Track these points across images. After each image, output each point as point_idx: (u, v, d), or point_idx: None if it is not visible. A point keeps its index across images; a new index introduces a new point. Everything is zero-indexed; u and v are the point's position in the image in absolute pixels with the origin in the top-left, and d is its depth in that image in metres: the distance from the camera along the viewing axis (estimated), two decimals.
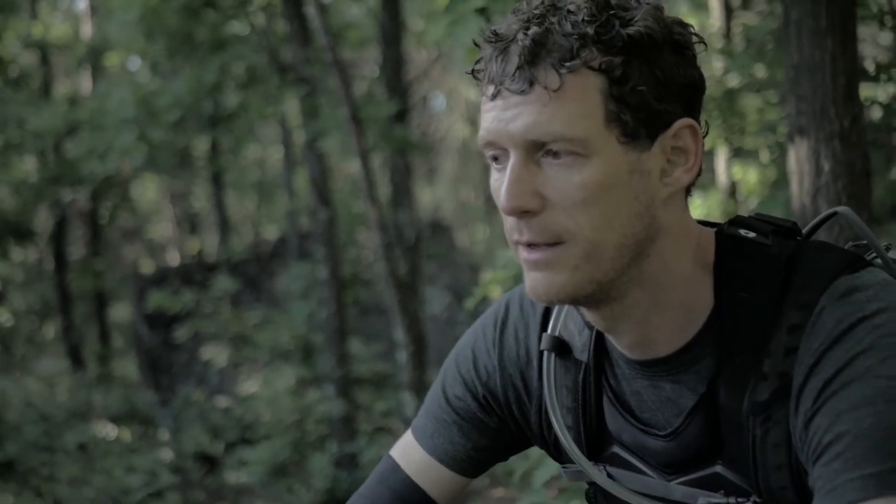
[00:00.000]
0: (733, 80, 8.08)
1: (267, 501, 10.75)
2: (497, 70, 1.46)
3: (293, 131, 14.04)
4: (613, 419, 1.65)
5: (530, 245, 1.47)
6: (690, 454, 1.57)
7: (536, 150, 1.44)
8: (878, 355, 1.40)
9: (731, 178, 8.84)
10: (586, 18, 1.43)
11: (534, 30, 1.43)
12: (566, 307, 1.68)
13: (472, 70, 1.52)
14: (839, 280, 1.49)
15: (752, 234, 1.55)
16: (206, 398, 13.89)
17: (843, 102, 3.22)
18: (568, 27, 1.43)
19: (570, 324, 1.68)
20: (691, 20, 8.13)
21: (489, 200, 22.77)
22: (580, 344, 1.67)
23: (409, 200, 10.93)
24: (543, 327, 1.72)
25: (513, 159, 1.45)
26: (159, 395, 14.64)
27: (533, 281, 1.49)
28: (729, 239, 1.56)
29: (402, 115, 10.50)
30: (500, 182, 1.49)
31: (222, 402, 13.59)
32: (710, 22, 9.16)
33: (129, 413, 14.58)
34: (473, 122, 20.23)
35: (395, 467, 1.83)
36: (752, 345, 1.50)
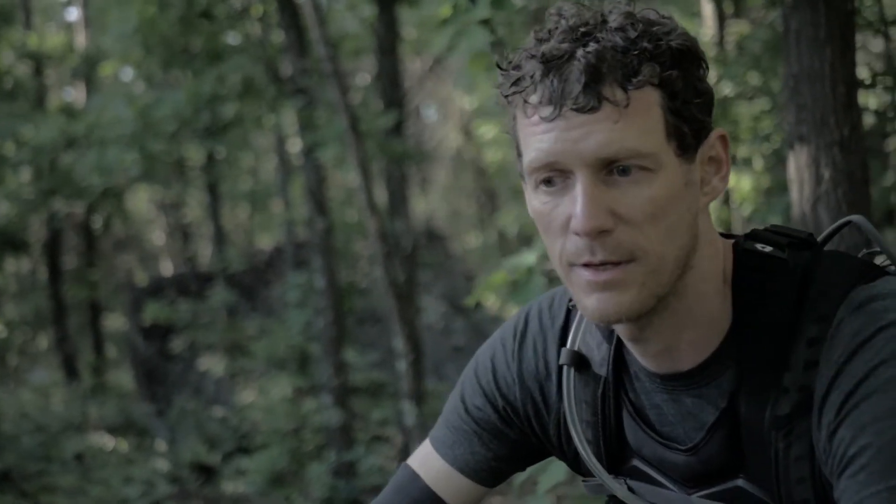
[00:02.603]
0: (727, 88, 8.13)
1: None
2: (554, 90, 1.42)
3: (288, 140, 14.06)
4: (633, 433, 1.65)
5: (600, 265, 1.45)
6: (712, 468, 1.57)
7: (604, 168, 1.43)
8: None
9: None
10: (639, 35, 1.44)
11: (592, 47, 1.42)
12: (584, 321, 1.69)
13: (509, 93, 1.48)
14: (855, 291, 1.50)
15: (768, 249, 1.56)
16: (203, 408, 13.88)
17: (842, 111, 3.25)
18: (622, 43, 1.43)
19: (588, 338, 1.69)
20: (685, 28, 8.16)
21: (483, 209, 22.80)
22: (599, 358, 1.67)
23: (405, 210, 10.95)
24: (562, 342, 1.72)
25: (583, 179, 1.43)
26: (155, 405, 14.63)
27: (599, 302, 1.47)
28: (746, 254, 1.57)
29: (398, 126, 10.52)
30: (554, 205, 1.47)
31: (219, 411, 13.59)
32: (703, 30, 9.20)
33: (126, 424, 14.56)
34: (467, 131, 20.26)
35: (414, 477, 1.83)
36: (772, 359, 1.50)
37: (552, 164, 1.45)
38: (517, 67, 1.48)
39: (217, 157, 15.68)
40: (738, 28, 9.05)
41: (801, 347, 1.49)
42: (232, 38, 11.29)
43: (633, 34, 1.43)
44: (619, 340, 1.63)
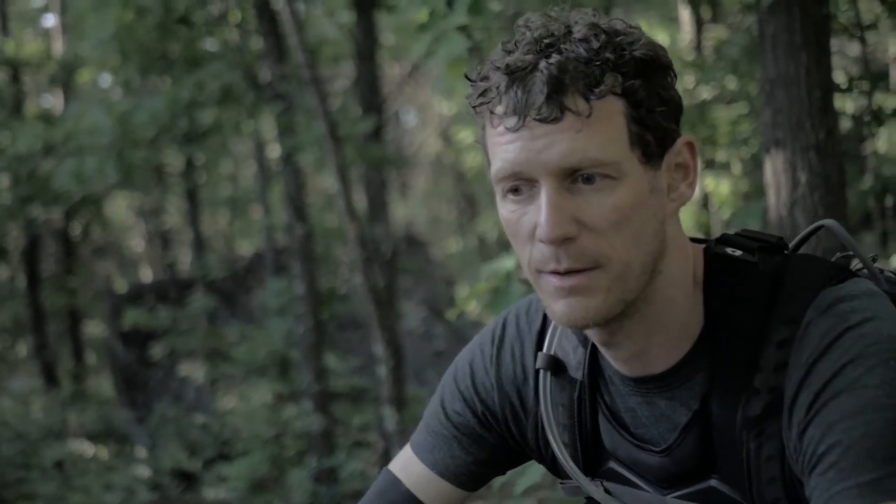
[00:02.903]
0: (704, 93, 8.16)
1: None
2: (518, 101, 1.46)
3: (266, 146, 14.04)
4: (609, 435, 1.68)
5: (566, 272, 1.48)
6: (685, 469, 1.60)
7: (568, 176, 1.46)
8: (865, 364, 1.44)
9: (704, 189, 8.91)
10: (602, 45, 1.46)
11: (555, 58, 1.45)
12: (560, 326, 1.70)
13: (476, 104, 1.52)
14: (824, 292, 1.52)
15: (738, 253, 1.59)
16: (183, 415, 13.84)
17: (818, 115, 3.28)
18: (584, 54, 1.46)
19: (564, 342, 1.71)
20: (662, 33, 8.20)
21: (462, 214, 22.80)
22: (575, 362, 1.69)
23: (384, 215, 10.95)
24: (539, 346, 1.75)
25: (547, 188, 1.46)
26: (135, 412, 14.58)
27: (567, 307, 1.50)
28: (716, 258, 1.59)
29: (377, 131, 10.53)
30: (521, 214, 1.50)
31: (199, 418, 13.55)
32: (680, 35, 9.24)
33: (106, 431, 14.50)
34: (446, 136, 20.27)
35: (395, 482, 1.85)
36: (742, 361, 1.53)
37: (517, 174, 1.48)
38: (484, 79, 1.51)
39: (196, 163, 15.66)
40: (715, 33, 9.09)
41: (770, 349, 1.52)
42: (210, 45, 11.26)
43: (596, 45, 1.46)
44: (595, 344, 1.65)
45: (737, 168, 8.22)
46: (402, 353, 9.49)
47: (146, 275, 21.54)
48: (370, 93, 10.83)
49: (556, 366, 1.71)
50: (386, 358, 7.58)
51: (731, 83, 7.76)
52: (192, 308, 13.79)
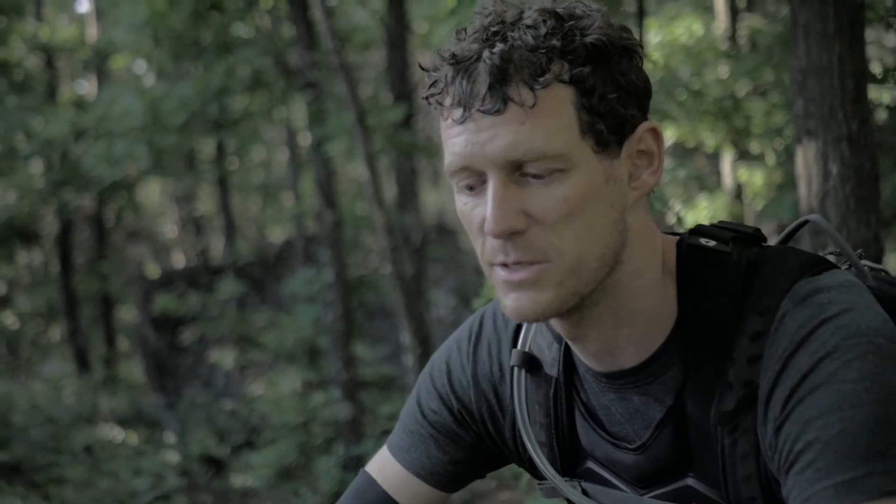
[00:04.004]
0: (739, 83, 8.10)
1: None
2: (463, 92, 1.42)
3: (298, 133, 14.06)
4: (586, 434, 1.63)
5: (514, 264, 1.44)
6: (661, 467, 1.56)
7: (515, 169, 1.42)
8: (842, 358, 1.39)
9: (737, 180, 8.85)
10: (549, 32, 1.41)
11: (499, 47, 1.40)
12: (535, 322, 1.66)
13: (427, 96, 1.48)
14: (800, 283, 1.47)
15: (712, 243, 1.54)
16: (213, 401, 13.89)
17: (851, 105, 3.22)
18: (531, 42, 1.40)
19: (539, 339, 1.66)
20: (697, 23, 8.12)
21: None
22: (549, 359, 1.65)
23: (414, 203, 10.93)
24: (514, 343, 1.70)
25: (493, 181, 1.42)
26: (165, 397, 14.65)
27: (516, 301, 1.45)
28: (689, 248, 1.54)
29: (407, 119, 10.51)
30: (474, 206, 1.46)
31: (228, 404, 13.60)
32: (715, 24, 9.16)
33: (136, 416, 14.59)
34: None
35: (372, 482, 1.81)
36: (716, 354, 1.48)
37: (465, 167, 1.44)
38: (435, 69, 1.47)
39: (227, 149, 15.70)
40: (750, 22, 9.01)
41: (744, 341, 1.47)
42: (242, 31, 11.27)
43: (543, 31, 1.41)
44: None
45: (770, 159, 8.15)
46: (430, 341, 9.47)
47: (178, 260, 21.63)
48: (401, 81, 10.81)
49: (531, 363, 1.66)
50: (414, 346, 7.57)
51: (766, 73, 7.69)
52: (222, 294, 13.83)
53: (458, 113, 1.43)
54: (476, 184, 1.45)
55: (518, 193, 1.42)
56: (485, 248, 1.46)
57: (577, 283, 1.45)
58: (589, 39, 1.42)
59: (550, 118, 1.40)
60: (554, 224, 1.42)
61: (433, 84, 1.46)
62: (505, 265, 1.45)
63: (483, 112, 1.40)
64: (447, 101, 1.44)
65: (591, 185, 1.43)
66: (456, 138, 1.43)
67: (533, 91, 1.40)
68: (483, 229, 1.44)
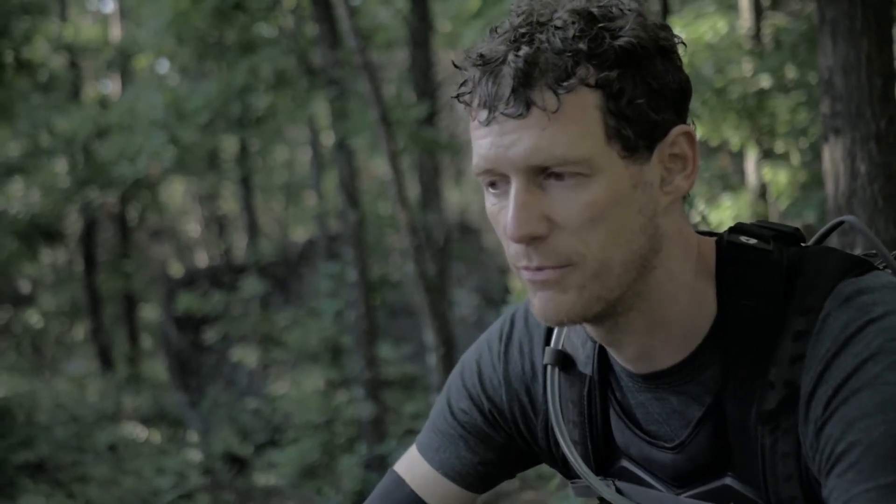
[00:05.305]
0: (763, 81, 8.05)
1: (296, 503, 10.78)
2: (489, 94, 1.41)
3: (321, 133, 14.07)
4: (621, 432, 1.62)
5: (537, 269, 1.43)
6: (699, 466, 1.54)
7: (539, 173, 1.40)
8: (886, 360, 1.37)
9: (761, 179, 8.81)
10: (577, 34, 1.39)
11: (524, 50, 1.38)
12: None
13: (457, 95, 1.47)
14: (843, 283, 1.45)
15: (753, 241, 1.52)
16: (236, 399, 13.93)
17: (879, 103, 3.19)
18: (558, 44, 1.38)
19: (573, 336, 1.65)
20: (721, 21, 8.07)
21: None
22: (583, 357, 1.63)
23: (437, 202, 10.92)
24: (547, 341, 1.69)
25: (516, 185, 1.41)
26: (188, 396, 14.70)
27: (542, 301, 1.45)
28: (730, 246, 1.52)
29: (431, 117, 10.50)
30: (500, 207, 1.45)
31: (251, 403, 13.63)
32: (739, 23, 9.12)
33: (159, 414, 14.64)
34: None
35: (400, 482, 1.79)
36: (757, 353, 1.46)
37: (490, 170, 1.43)
38: (465, 69, 1.46)
39: (250, 149, 15.73)
40: (774, 20, 8.96)
41: (787, 341, 1.45)
42: (265, 31, 11.29)
43: (571, 33, 1.39)
44: None
45: (795, 158, 8.10)
46: (453, 340, 9.46)
47: (201, 259, 21.69)
48: (424, 79, 10.81)
49: (565, 361, 1.64)
50: (437, 346, 7.57)
51: (790, 71, 7.65)
52: (245, 293, 13.86)
53: (483, 115, 1.41)
54: (501, 185, 1.44)
55: (540, 198, 1.40)
56: (510, 250, 1.46)
57: (601, 288, 1.43)
58: (619, 42, 1.40)
59: (574, 123, 1.38)
60: (577, 229, 1.40)
61: (463, 84, 1.45)
62: (528, 268, 1.44)
63: (507, 115, 1.39)
64: (475, 102, 1.43)
65: (616, 190, 1.41)
66: (482, 140, 1.42)
67: (557, 95, 1.38)
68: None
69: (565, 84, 1.38)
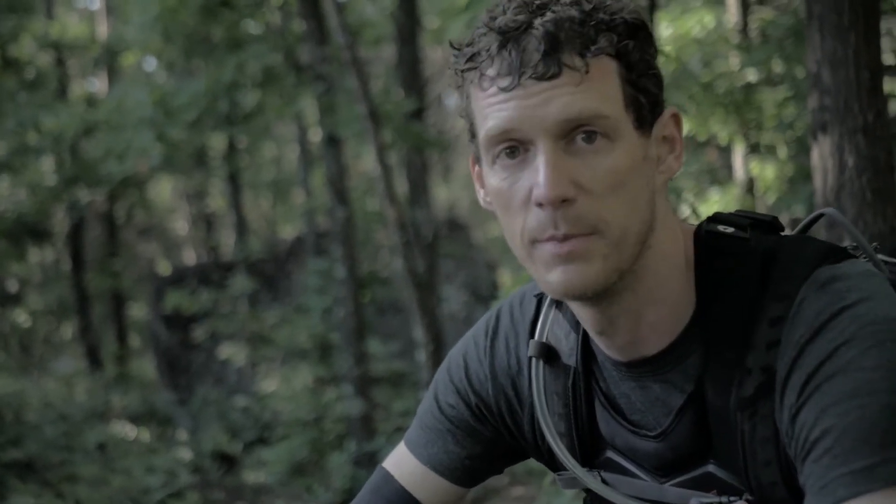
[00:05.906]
0: (750, 75, 8.06)
1: (286, 501, 10.76)
2: (513, 60, 1.42)
3: (309, 130, 14.05)
4: (606, 423, 1.63)
5: (564, 238, 1.43)
6: (681, 454, 1.56)
7: (566, 135, 1.42)
8: (860, 346, 1.39)
9: (749, 173, 8.81)
10: (594, 7, 1.44)
11: (550, 16, 1.42)
12: (552, 312, 1.67)
13: (464, 69, 1.48)
14: (819, 270, 1.47)
15: (730, 230, 1.54)
16: (225, 397, 13.91)
17: (867, 97, 3.20)
18: (577, 15, 1.43)
19: (556, 329, 1.67)
20: (708, 15, 8.07)
21: None
22: (567, 348, 1.65)
23: (426, 198, 10.91)
24: (532, 335, 1.70)
25: (545, 148, 1.42)
26: (177, 394, 14.67)
27: (564, 274, 1.44)
28: (708, 235, 1.55)
29: (418, 113, 10.49)
30: (514, 181, 1.46)
31: (240, 401, 13.61)
32: (726, 17, 9.12)
33: (148, 413, 14.61)
34: None
35: (389, 478, 1.81)
36: (735, 340, 1.48)
37: (510, 133, 1.44)
38: (471, 44, 1.48)
39: (238, 146, 15.70)
40: (761, 14, 8.97)
41: (763, 327, 1.47)
42: (252, 27, 11.27)
43: (587, 7, 1.44)
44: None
45: (782, 152, 8.12)
46: (442, 337, 9.46)
47: (190, 257, 21.65)
48: (411, 75, 10.80)
49: (549, 353, 1.66)
50: (426, 342, 7.57)
51: (777, 66, 7.66)
52: (234, 291, 13.84)
53: (506, 81, 1.43)
54: (519, 153, 1.45)
55: (568, 161, 1.42)
56: (528, 223, 1.45)
57: (620, 258, 1.45)
58: (628, 17, 1.45)
59: (602, 84, 1.43)
60: (602, 194, 1.42)
61: (471, 57, 1.47)
62: (553, 238, 1.43)
63: (536, 78, 1.41)
64: (491, 72, 1.45)
65: (633, 158, 1.45)
66: (502, 104, 1.44)
67: (584, 59, 1.42)
68: (528, 202, 1.44)
69: (592, 49, 1.42)
